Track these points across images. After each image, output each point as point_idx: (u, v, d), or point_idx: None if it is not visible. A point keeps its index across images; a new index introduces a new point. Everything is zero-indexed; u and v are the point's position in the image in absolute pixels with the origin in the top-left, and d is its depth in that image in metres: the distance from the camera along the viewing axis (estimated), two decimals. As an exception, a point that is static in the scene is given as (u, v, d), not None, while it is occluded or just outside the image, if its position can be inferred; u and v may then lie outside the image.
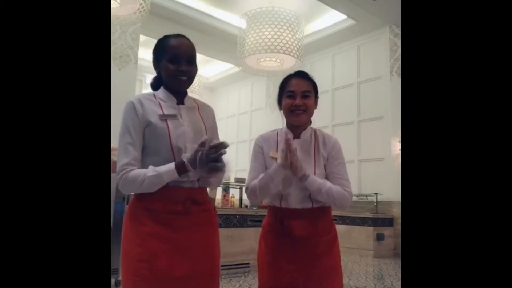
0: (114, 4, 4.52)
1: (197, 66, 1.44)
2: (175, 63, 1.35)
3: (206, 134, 1.39)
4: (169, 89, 1.41)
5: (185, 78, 1.37)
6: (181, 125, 1.36)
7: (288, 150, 1.34)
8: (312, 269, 1.41)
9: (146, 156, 1.35)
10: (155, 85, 1.46)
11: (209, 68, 9.99)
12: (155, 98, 1.40)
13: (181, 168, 1.27)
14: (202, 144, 1.24)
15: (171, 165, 1.27)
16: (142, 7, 4.77)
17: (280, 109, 1.54)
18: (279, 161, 1.38)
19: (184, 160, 1.27)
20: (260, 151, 1.53)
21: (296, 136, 1.52)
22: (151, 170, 1.28)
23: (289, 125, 1.54)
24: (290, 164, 1.35)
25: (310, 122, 1.57)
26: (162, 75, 1.40)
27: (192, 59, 1.39)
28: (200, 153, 1.24)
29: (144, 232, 1.28)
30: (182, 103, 1.42)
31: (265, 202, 1.58)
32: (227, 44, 7.54)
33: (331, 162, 1.49)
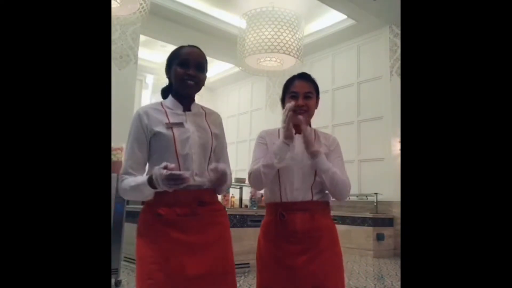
0: (114, 4, 4.52)
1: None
2: (184, 67, 1.39)
3: (212, 140, 1.43)
4: (177, 96, 1.44)
5: (192, 82, 1.40)
6: (187, 131, 1.38)
7: (291, 116, 1.41)
8: (314, 264, 1.42)
9: (153, 165, 1.35)
10: (164, 94, 1.50)
11: (209, 68, 9.91)
12: (162, 106, 1.43)
13: (151, 183, 1.26)
14: (165, 167, 1.21)
15: (145, 178, 1.29)
16: (142, 7, 4.77)
17: (283, 108, 1.58)
18: (281, 133, 1.44)
19: (153, 176, 1.24)
20: (263, 141, 1.58)
21: (298, 132, 1.55)
22: (133, 181, 1.31)
23: (292, 124, 1.56)
24: (301, 138, 1.42)
25: (310, 124, 1.61)
26: (172, 80, 1.44)
27: (201, 66, 1.43)
28: (160, 174, 1.20)
29: (155, 236, 1.31)
30: (189, 109, 1.44)
31: (265, 199, 1.60)
32: (227, 44, 7.53)
33: (331, 156, 1.55)
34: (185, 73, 1.39)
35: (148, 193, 1.30)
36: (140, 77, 8.88)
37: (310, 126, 1.60)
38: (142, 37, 6.90)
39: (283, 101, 1.60)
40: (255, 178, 1.49)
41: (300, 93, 1.53)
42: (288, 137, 1.43)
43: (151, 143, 1.37)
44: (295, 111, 1.47)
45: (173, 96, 1.45)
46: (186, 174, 1.22)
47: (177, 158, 1.34)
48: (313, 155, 1.44)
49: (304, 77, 1.59)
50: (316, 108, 1.59)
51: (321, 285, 1.41)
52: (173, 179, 1.20)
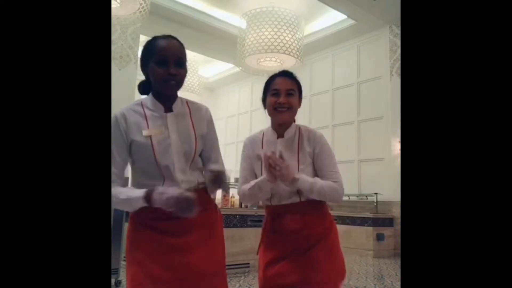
0: (114, 4, 4.52)
1: (187, 68, 1.36)
2: (163, 66, 1.27)
3: (196, 143, 1.34)
4: (157, 95, 1.34)
5: (174, 82, 1.29)
6: (167, 139, 1.30)
7: (270, 166, 1.35)
8: (303, 260, 1.43)
9: (136, 173, 1.34)
10: (143, 89, 1.39)
11: (209, 68, 9.99)
12: (142, 107, 1.33)
13: (148, 201, 1.21)
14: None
15: (140, 193, 1.22)
16: (142, 7, 4.78)
17: (265, 108, 1.56)
18: (264, 174, 1.41)
19: (152, 196, 1.20)
20: (247, 153, 1.58)
21: (280, 135, 1.54)
22: (124, 193, 1.25)
23: (274, 125, 1.56)
24: (276, 176, 1.37)
25: (294, 120, 1.58)
26: (151, 79, 1.33)
27: (181, 61, 1.30)
28: (166, 199, 1.18)
29: (141, 236, 1.28)
30: (171, 110, 1.35)
31: (260, 202, 1.64)
32: (227, 44, 7.54)
33: (319, 157, 1.50)
34: (166, 73, 1.27)
35: (139, 207, 1.24)
36: (140, 77, 8.86)
37: (294, 121, 1.57)
38: (142, 37, 6.89)
39: (264, 101, 1.55)
40: (245, 199, 1.55)
41: (281, 90, 1.48)
42: (272, 181, 1.39)
43: (131, 149, 1.30)
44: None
45: (153, 95, 1.34)
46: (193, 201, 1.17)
47: (159, 168, 1.28)
48: (292, 183, 1.40)
49: (285, 74, 1.53)
50: (299, 107, 1.54)
51: (308, 277, 1.40)
52: (180, 206, 1.17)
